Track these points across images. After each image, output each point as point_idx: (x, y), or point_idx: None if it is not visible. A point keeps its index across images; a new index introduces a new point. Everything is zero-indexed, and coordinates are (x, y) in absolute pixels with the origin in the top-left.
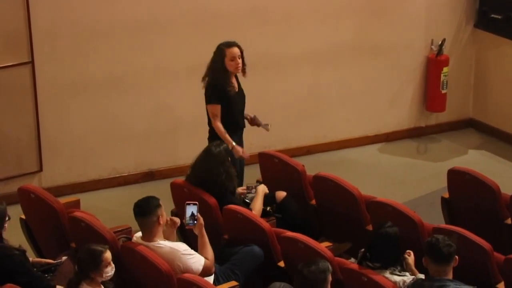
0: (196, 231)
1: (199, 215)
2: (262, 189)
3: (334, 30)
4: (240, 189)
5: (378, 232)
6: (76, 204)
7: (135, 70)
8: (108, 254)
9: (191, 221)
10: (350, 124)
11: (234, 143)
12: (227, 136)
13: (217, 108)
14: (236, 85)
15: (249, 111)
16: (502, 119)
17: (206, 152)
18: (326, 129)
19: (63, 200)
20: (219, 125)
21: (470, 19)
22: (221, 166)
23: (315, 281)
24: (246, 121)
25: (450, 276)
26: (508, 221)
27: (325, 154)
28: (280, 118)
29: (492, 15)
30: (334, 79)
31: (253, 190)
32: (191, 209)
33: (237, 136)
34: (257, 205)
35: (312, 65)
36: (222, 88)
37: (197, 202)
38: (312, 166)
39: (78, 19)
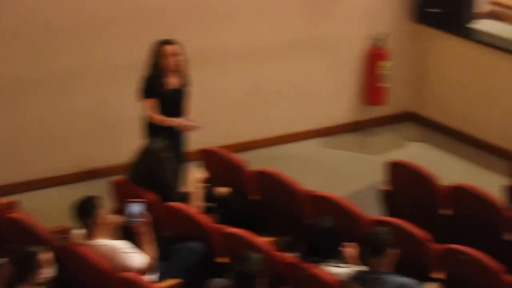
0: (139, 229)
1: (143, 213)
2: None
3: (274, 25)
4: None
5: (314, 226)
6: (13, 205)
7: (69, 68)
8: (43, 255)
9: (135, 219)
10: (291, 119)
11: (175, 120)
12: (167, 119)
13: (151, 102)
14: (174, 82)
15: (191, 107)
16: (442, 113)
17: (144, 150)
18: (267, 124)
19: None
20: (156, 117)
21: (409, 13)
22: (160, 163)
23: (254, 273)
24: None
25: (387, 268)
26: (446, 211)
27: (267, 149)
28: (221, 114)
29: (431, 10)
30: (274, 74)
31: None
32: (135, 206)
33: (176, 133)
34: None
35: (253, 61)
36: (153, 85)
37: (141, 200)
38: (254, 161)
39: (6, 16)
